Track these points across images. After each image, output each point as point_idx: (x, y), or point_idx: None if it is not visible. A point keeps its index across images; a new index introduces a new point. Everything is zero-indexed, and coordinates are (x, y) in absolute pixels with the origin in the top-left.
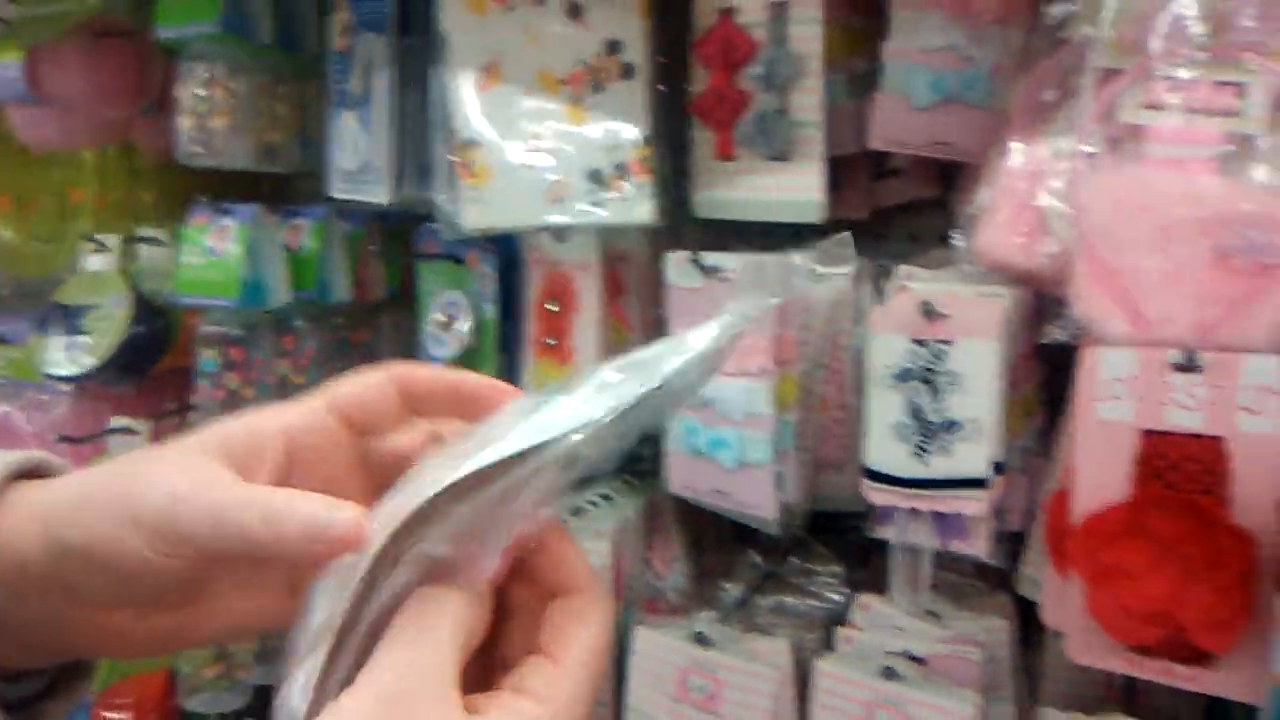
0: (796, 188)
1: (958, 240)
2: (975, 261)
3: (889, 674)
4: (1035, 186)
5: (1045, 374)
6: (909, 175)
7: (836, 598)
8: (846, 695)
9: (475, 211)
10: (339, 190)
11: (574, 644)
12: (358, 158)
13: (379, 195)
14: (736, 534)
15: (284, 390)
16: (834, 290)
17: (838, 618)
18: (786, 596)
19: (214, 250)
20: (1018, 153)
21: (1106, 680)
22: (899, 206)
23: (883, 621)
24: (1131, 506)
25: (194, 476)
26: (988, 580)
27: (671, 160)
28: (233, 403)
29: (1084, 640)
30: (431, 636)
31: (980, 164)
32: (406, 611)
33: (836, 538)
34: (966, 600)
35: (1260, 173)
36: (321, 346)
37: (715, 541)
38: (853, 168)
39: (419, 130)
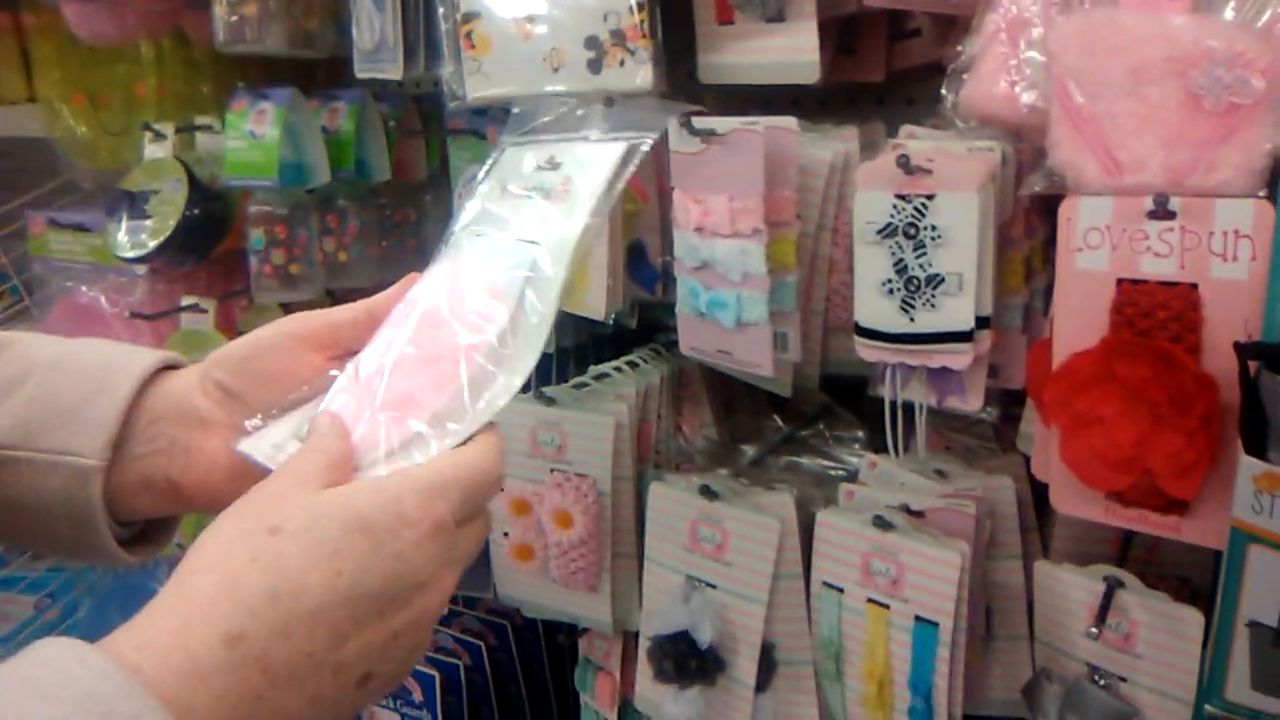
0: (792, 49)
1: (946, 95)
2: (962, 116)
3: (881, 523)
4: (1018, 36)
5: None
6: (928, 36)
7: (855, 460)
8: (844, 545)
9: (478, 82)
10: (360, 70)
11: None
12: (374, 37)
13: (392, 72)
14: (769, 401)
15: (330, 266)
16: (834, 153)
17: (852, 477)
18: (803, 458)
19: (254, 134)
20: (1002, 2)
21: (1114, 537)
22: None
23: (888, 479)
24: (1101, 354)
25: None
26: (1004, 444)
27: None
28: (282, 278)
29: (1066, 490)
30: None
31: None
32: None
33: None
34: (979, 461)
35: (1230, 8)
36: (364, 225)
37: (746, 407)
38: (871, 29)
39: (430, 7)
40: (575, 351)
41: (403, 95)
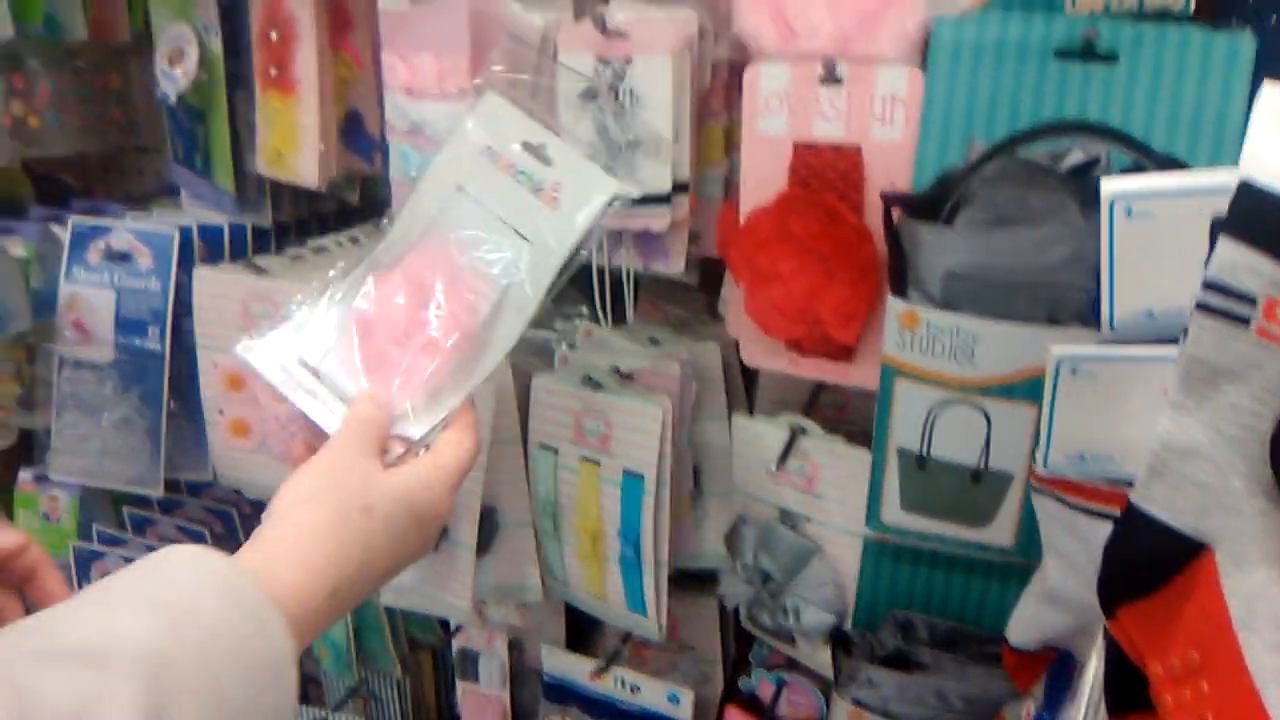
0: None
1: None
2: None
3: (591, 383)
4: None
5: None
6: None
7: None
8: (558, 406)
9: None
10: None
11: None
12: None
13: None
14: None
15: (21, 131)
16: (546, 20)
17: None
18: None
19: None
20: None
21: (808, 395)
22: None
23: (603, 346)
24: (777, 211)
25: None
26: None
27: None
28: None
29: (754, 344)
30: None
31: None
32: None
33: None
34: (691, 330)
35: None
36: (59, 88)
37: None
38: None
39: None
40: (296, 225)
41: None
